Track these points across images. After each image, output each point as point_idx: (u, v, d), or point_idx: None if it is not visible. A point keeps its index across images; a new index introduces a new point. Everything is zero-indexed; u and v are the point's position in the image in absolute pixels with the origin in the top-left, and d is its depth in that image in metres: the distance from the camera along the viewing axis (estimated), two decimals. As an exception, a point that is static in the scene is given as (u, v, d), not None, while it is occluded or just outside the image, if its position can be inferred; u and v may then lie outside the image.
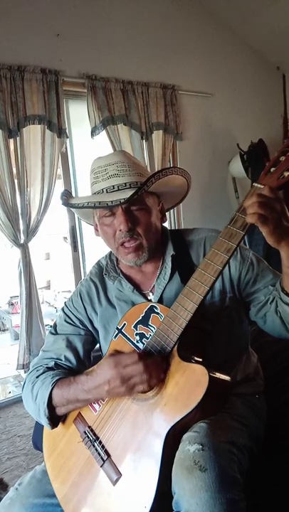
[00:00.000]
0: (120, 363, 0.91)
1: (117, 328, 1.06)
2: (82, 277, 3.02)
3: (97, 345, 1.23)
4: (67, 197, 1.16)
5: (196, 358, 0.92)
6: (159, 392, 0.90)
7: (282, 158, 0.85)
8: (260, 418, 1.08)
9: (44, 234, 2.99)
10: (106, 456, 0.93)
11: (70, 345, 1.15)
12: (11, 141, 2.47)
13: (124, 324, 1.05)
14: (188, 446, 0.82)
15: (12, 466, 2.02)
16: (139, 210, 1.06)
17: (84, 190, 2.93)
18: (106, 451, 0.94)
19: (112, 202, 1.01)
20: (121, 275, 1.15)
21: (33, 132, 2.57)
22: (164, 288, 1.10)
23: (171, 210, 2.46)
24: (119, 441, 0.93)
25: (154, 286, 1.13)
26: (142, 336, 1.02)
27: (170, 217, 3.35)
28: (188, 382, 0.86)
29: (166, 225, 1.21)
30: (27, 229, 2.59)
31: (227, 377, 0.90)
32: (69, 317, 1.20)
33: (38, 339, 2.64)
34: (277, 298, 1.03)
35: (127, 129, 2.96)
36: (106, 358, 0.96)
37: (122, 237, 1.05)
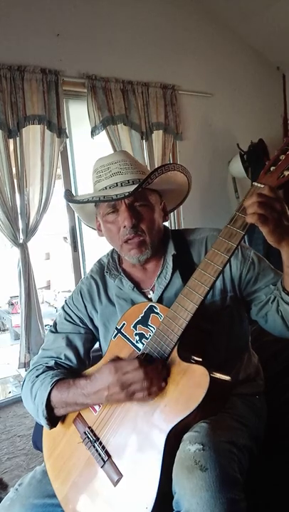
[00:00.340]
0: (121, 369, 0.90)
1: (116, 328, 1.06)
2: (83, 277, 3.03)
3: (97, 345, 1.23)
4: (70, 194, 1.16)
5: (196, 359, 0.92)
6: (160, 393, 0.90)
7: (282, 157, 0.85)
8: (260, 418, 1.08)
9: (44, 234, 3.00)
10: (106, 457, 0.93)
11: (70, 344, 1.15)
12: (11, 141, 2.47)
13: (124, 324, 1.05)
14: (189, 446, 0.82)
15: (12, 466, 2.01)
16: (143, 206, 1.07)
17: (84, 190, 2.93)
18: (106, 452, 0.94)
19: (116, 195, 1.01)
20: (122, 273, 1.15)
21: (33, 132, 2.57)
22: (165, 287, 1.10)
23: (171, 210, 2.45)
24: (119, 441, 0.93)
25: (154, 285, 1.13)
26: (141, 336, 1.01)
27: (170, 218, 3.34)
28: (189, 383, 0.86)
29: (166, 225, 1.21)
30: (26, 229, 2.59)
31: (227, 378, 0.89)
32: (69, 315, 1.19)
33: (37, 338, 2.64)
34: (279, 297, 1.03)
35: (127, 129, 2.96)
36: (106, 364, 0.96)
37: (126, 233, 1.05)
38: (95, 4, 2.84)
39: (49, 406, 1.02)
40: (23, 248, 2.59)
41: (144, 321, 1.02)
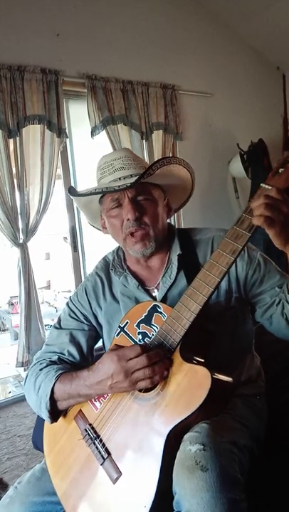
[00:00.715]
0: (123, 356, 0.90)
1: (120, 327, 1.06)
2: (82, 277, 3.03)
3: (99, 343, 1.23)
4: (74, 190, 1.17)
5: (199, 359, 0.91)
6: (161, 392, 0.90)
7: None
8: (260, 419, 1.08)
9: (44, 234, 3.00)
10: (106, 455, 0.93)
11: (74, 340, 1.15)
12: (11, 141, 2.47)
13: (127, 322, 1.05)
14: (190, 446, 0.82)
15: (12, 466, 2.02)
16: (146, 200, 1.07)
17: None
18: (106, 450, 0.94)
19: (118, 186, 1.02)
20: (127, 271, 1.16)
21: (33, 132, 2.56)
22: (169, 286, 1.10)
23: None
24: (119, 440, 0.93)
25: (159, 283, 1.13)
26: (144, 335, 1.01)
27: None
28: (191, 384, 0.86)
29: (171, 223, 1.21)
30: (26, 228, 2.59)
31: (229, 379, 0.89)
32: (73, 312, 1.20)
33: (37, 338, 2.64)
34: (284, 300, 1.03)
35: (127, 129, 2.96)
36: (107, 353, 0.95)
37: (129, 226, 1.05)
38: (95, 4, 2.84)
39: (52, 399, 1.02)
40: (23, 248, 2.59)
41: (147, 320, 1.02)
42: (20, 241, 2.58)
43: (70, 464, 1.00)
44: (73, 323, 1.18)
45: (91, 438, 0.97)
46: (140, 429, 0.90)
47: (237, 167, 3.60)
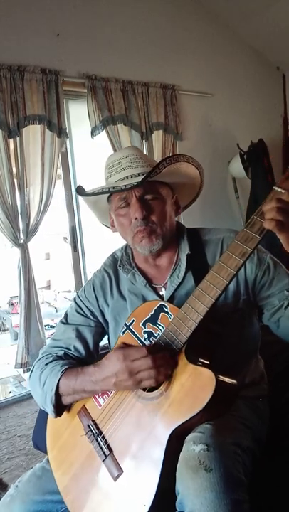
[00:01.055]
0: (129, 356, 0.90)
1: (126, 324, 1.06)
2: (83, 277, 3.03)
3: (104, 341, 1.23)
4: (82, 189, 1.16)
5: (204, 361, 0.91)
6: (165, 392, 0.90)
7: None
8: (262, 421, 1.08)
9: (44, 234, 3.00)
10: (108, 452, 0.93)
11: (80, 336, 1.16)
12: (11, 141, 2.47)
13: (133, 321, 1.05)
14: (194, 446, 0.82)
15: (12, 466, 2.01)
16: (154, 199, 1.07)
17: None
18: (108, 447, 0.94)
19: (125, 186, 1.02)
20: (135, 268, 1.16)
21: (33, 132, 2.56)
22: (177, 286, 1.10)
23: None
24: (122, 437, 0.94)
25: (166, 282, 1.12)
26: (150, 334, 1.01)
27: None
28: (195, 386, 0.86)
29: (181, 222, 1.21)
30: (27, 229, 2.59)
31: (233, 381, 0.88)
32: (80, 308, 1.20)
33: (36, 339, 2.64)
34: None
35: (127, 129, 2.96)
36: (114, 350, 0.96)
37: (137, 225, 1.05)
38: (95, 4, 2.84)
39: (57, 394, 1.03)
40: (24, 248, 2.58)
41: (153, 320, 1.02)
42: (21, 241, 2.58)
43: (72, 460, 1.00)
44: (80, 318, 1.18)
45: (94, 434, 0.98)
46: (143, 429, 0.90)
47: (237, 167, 3.60)
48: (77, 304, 1.21)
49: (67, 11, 2.72)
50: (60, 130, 2.59)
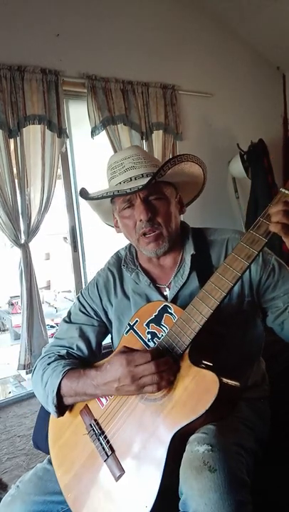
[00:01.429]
0: (132, 361, 0.90)
1: (129, 325, 1.06)
2: (83, 277, 3.03)
3: (107, 340, 1.23)
4: (86, 192, 1.16)
5: (207, 363, 0.90)
6: (168, 394, 0.90)
7: None
8: (264, 422, 1.08)
9: (44, 234, 3.00)
10: (110, 452, 0.93)
11: (83, 335, 1.15)
12: (11, 141, 2.47)
13: (137, 321, 1.05)
14: (198, 447, 0.82)
15: (12, 466, 2.01)
16: (158, 199, 1.06)
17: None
18: (110, 447, 0.94)
19: (130, 189, 1.01)
20: (139, 268, 1.15)
21: (33, 132, 2.56)
22: (181, 287, 1.09)
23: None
24: (124, 438, 0.93)
25: (170, 282, 1.12)
26: (153, 335, 1.01)
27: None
28: (198, 388, 0.85)
29: (186, 221, 1.21)
30: (28, 229, 2.59)
31: (237, 384, 0.88)
32: (84, 306, 1.19)
33: (39, 339, 2.64)
34: None
35: (127, 129, 2.96)
36: (117, 355, 0.95)
37: (142, 227, 1.05)
38: (95, 4, 2.84)
39: (59, 394, 1.03)
40: (25, 248, 2.58)
41: (157, 320, 1.01)
42: (22, 241, 2.58)
43: (74, 459, 1.00)
44: (83, 317, 1.18)
45: (96, 434, 0.98)
46: (145, 430, 0.90)
47: (237, 167, 3.60)
48: (80, 303, 1.21)
49: (67, 11, 2.72)
50: (60, 130, 2.60)
